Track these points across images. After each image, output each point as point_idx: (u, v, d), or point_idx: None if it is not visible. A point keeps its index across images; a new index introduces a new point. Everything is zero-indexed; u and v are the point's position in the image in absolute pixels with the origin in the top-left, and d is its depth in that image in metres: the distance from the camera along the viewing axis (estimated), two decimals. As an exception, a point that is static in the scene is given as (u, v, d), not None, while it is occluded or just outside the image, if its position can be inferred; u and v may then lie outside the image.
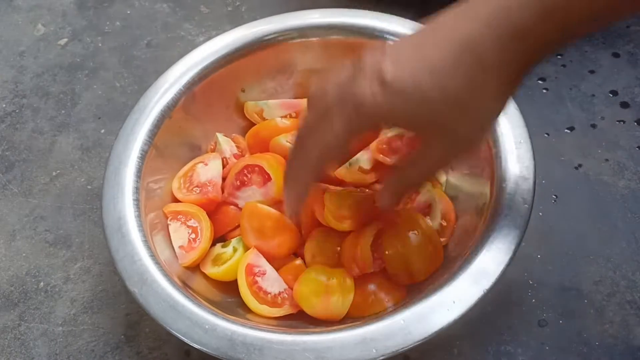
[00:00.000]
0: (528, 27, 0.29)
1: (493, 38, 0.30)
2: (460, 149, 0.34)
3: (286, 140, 0.50)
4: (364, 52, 0.32)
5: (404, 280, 0.43)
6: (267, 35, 0.53)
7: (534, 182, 0.42)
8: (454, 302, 0.37)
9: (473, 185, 0.47)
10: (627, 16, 0.37)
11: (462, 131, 0.32)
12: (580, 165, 0.55)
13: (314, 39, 0.54)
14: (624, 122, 0.58)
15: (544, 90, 0.61)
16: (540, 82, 0.61)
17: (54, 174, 0.61)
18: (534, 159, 0.43)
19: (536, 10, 0.29)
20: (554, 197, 0.53)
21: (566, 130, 0.58)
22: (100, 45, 0.72)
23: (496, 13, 0.29)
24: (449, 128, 0.32)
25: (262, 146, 0.52)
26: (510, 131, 0.44)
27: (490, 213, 0.41)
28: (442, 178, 0.50)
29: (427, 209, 0.45)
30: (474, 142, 0.34)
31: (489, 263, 0.38)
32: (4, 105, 0.67)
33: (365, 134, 0.38)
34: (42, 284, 0.53)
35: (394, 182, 0.38)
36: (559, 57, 0.63)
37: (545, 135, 0.57)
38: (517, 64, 0.31)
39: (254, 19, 0.55)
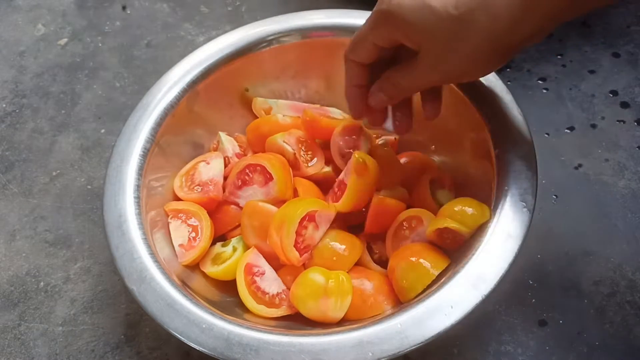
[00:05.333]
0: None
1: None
2: (448, 72, 0.39)
3: (282, 141, 0.50)
4: None
5: None
6: (270, 35, 0.53)
7: (536, 187, 0.41)
8: (451, 307, 0.37)
9: (474, 188, 0.47)
10: None
11: (452, 57, 0.37)
12: (580, 165, 0.55)
13: (316, 39, 0.54)
14: (624, 122, 0.58)
15: (544, 90, 0.61)
16: (540, 82, 0.61)
17: (54, 174, 0.61)
18: (536, 161, 0.42)
19: None
20: (554, 197, 0.53)
21: (566, 130, 0.58)
22: (100, 45, 0.72)
23: None
24: (443, 48, 0.37)
25: (262, 141, 0.51)
26: (512, 132, 0.44)
27: (490, 217, 0.41)
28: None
29: None
30: (461, 75, 0.40)
31: (488, 268, 0.38)
32: (4, 105, 0.67)
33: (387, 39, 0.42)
34: (42, 284, 0.53)
35: (388, 86, 0.43)
36: (559, 57, 0.63)
37: (545, 135, 0.57)
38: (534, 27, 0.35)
39: (254, 18, 0.56)
